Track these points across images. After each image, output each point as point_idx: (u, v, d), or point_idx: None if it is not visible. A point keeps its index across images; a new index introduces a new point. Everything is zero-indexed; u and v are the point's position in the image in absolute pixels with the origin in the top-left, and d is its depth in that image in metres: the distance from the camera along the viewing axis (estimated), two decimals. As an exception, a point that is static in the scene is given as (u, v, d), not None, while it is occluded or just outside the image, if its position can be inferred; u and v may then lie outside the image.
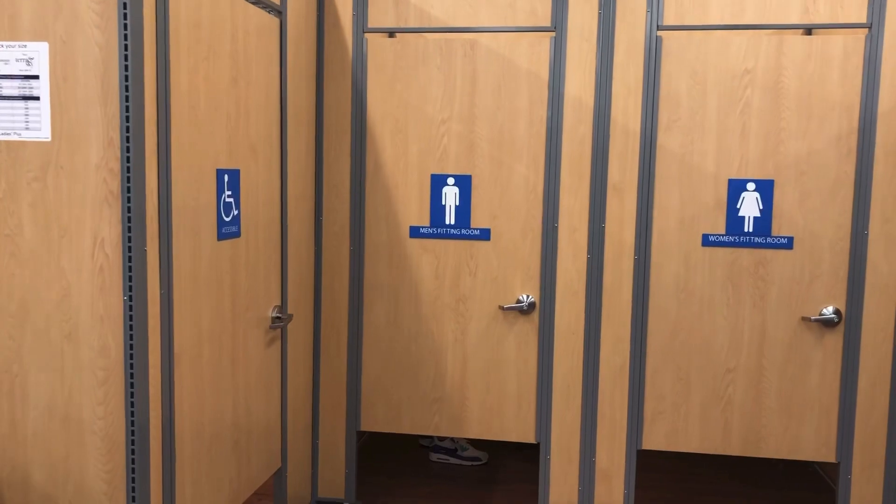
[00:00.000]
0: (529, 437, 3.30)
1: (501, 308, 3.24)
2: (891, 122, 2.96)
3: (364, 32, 3.25)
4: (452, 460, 4.02)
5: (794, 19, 3.02)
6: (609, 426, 3.23)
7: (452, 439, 4.05)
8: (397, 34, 3.29)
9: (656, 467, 3.99)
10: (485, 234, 3.24)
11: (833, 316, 3.03)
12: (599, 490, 3.26)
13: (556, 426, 3.26)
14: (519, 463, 4.04)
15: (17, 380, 2.14)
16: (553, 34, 3.14)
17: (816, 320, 3.05)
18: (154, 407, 2.16)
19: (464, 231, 3.25)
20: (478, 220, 3.25)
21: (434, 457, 4.06)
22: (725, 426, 3.15)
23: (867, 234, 3.00)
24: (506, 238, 3.23)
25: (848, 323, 3.04)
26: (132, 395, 2.09)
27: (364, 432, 4.22)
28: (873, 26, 2.94)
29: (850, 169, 3.00)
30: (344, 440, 3.43)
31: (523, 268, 3.23)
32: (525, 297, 3.23)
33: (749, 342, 3.11)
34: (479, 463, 4.02)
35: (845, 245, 3.03)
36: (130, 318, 2.07)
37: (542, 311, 3.22)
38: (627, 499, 3.25)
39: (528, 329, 3.25)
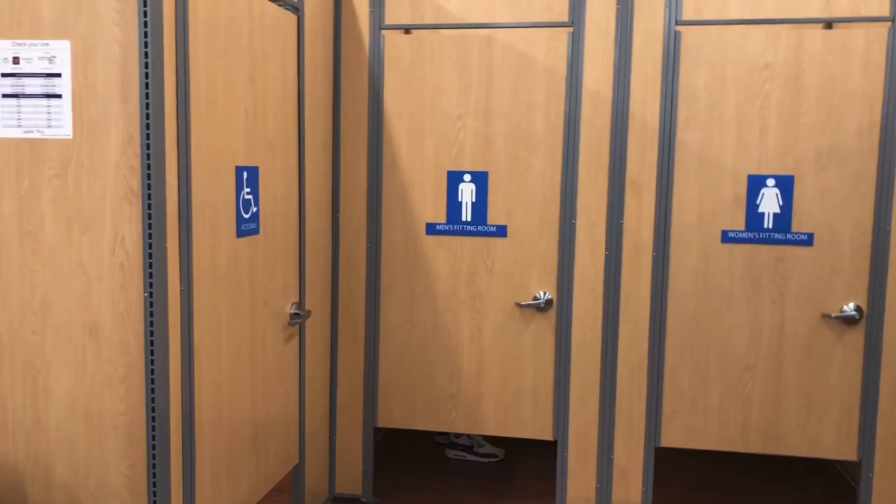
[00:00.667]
0: (547, 434, 3.29)
1: (518, 305, 3.23)
2: (913, 117, 2.92)
3: (381, 29, 3.25)
4: (469, 457, 4.02)
5: (815, 13, 2.99)
6: (627, 423, 3.22)
7: (469, 436, 4.05)
8: (413, 30, 3.29)
9: (675, 464, 3.97)
10: (501, 231, 3.23)
11: (854, 313, 3.01)
12: (617, 488, 3.25)
13: (573, 423, 3.25)
14: (536, 460, 4.03)
15: (39, 375, 2.16)
16: (570, 29, 3.12)
17: (837, 317, 3.02)
18: (174, 402, 2.18)
19: (480, 227, 3.25)
20: (494, 217, 3.24)
21: (450, 453, 4.06)
22: (744, 423, 3.13)
23: (889, 229, 2.96)
24: (522, 234, 3.22)
25: (869, 320, 3.01)
26: (153, 390, 2.10)
27: (381, 428, 4.23)
28: None
29: (871, 164, 2.97)
30: (361, 436, 3.44)
31: (540, 264, 3.22)
32: (542, 293, 3.22)
33: (769, 339, 3.09)
34: (496, 459, 4.02)
35: (867, 241, 3.00)
36: (151, 314, 2.08)
37: (560, 307, 3.21)
38: (645, 496, 3.23)
39: (545, 326, 3.24)
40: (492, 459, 4.01)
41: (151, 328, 2.08)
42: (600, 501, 3.26)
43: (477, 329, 3.29)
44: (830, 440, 3.09)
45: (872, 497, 3.07)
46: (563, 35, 3.12)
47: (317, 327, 3.22)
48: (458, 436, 4.06)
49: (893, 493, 3.06)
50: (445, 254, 3.28)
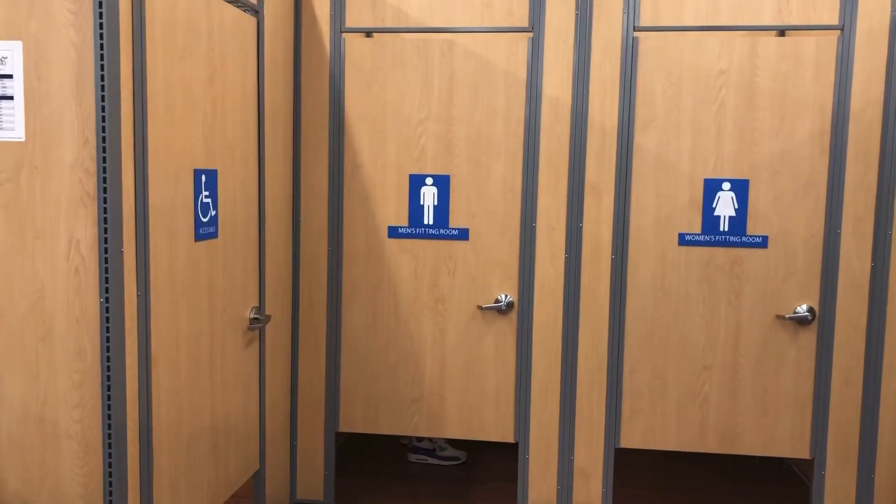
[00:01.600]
0: (508, 437, 3.31)
1: (480, 308, 3.25)
2: (862, 122, 3.01)
3: (342, 32, 3.24)
4: (431, 460, 4.02)
5: (768, 20, 3.06)
6: (587, 425, 3.25)
7: (431, 439, 4.05)
8: (375, 34, 3.28)
9: (634, 464, 4.02)
10: (463, 234, 3.24)
11: (807, 314, 3.08)
12: (578, 488, 3.28)
13: (534, 425, 3.28)
14: (497, 462, 4.05)
15: (-10, 383, 2.11)
16: (530, 34, 3.15)
17: (791, 318, 3.09)
18: (131, 409, 2.14)
19: (442, 231, 3.26)
20: (456, 220, 3.25)
21: (413, 457, 4.06)
22: (702, 423, 3.18)
23: (840, 232, 3.04)
24: (484, 238, 3.24)
25: (821, 320, 3.09)
26: (109, 397, 2.06)
27: (342, 433, 4.21)
28: (845, 28, 2.99)
29: (822, 168, 3.05)
30: (322, 441, 3.42)
31: (501, 267, 3.24)
32: (503, 296, 3.24)
33: (724, 340, 3.15)
34: (458, 462, 4.02)
35: (818, 243, 3.07)
36: (107, 319, 2.05)
37: (521, 310, 3.23)
38: (605, 497, 3.27)
39: (506, 329, 3.26)
40: (454, 462, 4.02)
41: (108, 334, 2.05)
42: (561, 503, 3.29)
43: (439, 332, 3.30)
44: (784, 439, 3.15)
45: (825, 493, 3.14)
46: (524, 40, 3.15)
47: (277, 332, 3.20)
48: (420, 440, 4.06)
49: (844, 489, 3.14)
50: (408, 257, 3.29)
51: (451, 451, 4.03)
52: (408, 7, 3.21)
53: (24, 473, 2.12)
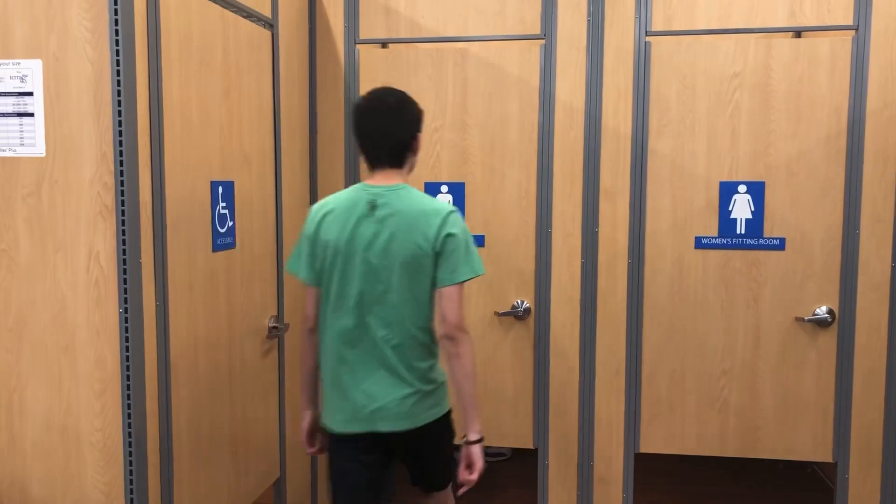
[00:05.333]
0: (527, 443, 3.31)
1: (497, 314, 3.26)
2: (879, 122, 2.98)
3: (356, 43, 3.28)
4: None
5: (782, 22, 3.04)
6: (606, 430, 3.24)
7: None
8: (389, 45, 3.32)
9: (655, 470, 4.00)
10: (479, 241, 3.26)
11: (826, 316, 3.05)
12: (598, 495, 3.27)
13: (553, 431, 3.27)
14: (518, 469, 4.04)
15: (14, 393, 2.16)
16: (543, 41, 3.17)
17: (810, 320, 3.06)
18: (151, 418, 2.18)
19: (458, 238, 3.27)
20: (472, 227, 3.26)
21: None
22: (722, 427, 3.16)
23: (858, 233, 3.02)
24: (500, 244, 3.25)
25: (841, 322, 3.06)
26: (129, 406, 2.10)
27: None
28: (860, 28, 2.97)
29: (839, 169, 3.03)
30: (343, 449, 3.43)
31: (518, 273, 3.25)
32: (520, 302, 3.25)
33: (743, 343, 3.12)
34: (504, 458, 4.11)
35: (837, 245, 3.05)
36: (126, 330, 2.09)
37: (538, 316, 3.24)
38: (626, 503, 3.25)
39: (523, 335, 3.26)
40: (499, 459, 4.09)
41: (127, 343, 2.09)
42: (582, 508, 3.28)
43: (457, 339, 3.30)
44: (806, 442, 3.12)
45: (849, 497, 3.11)
46: (536, 47, 3.16)
47: (296, 340, 3.22)
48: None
49: (868, 492, 3.10)
50: (424, 265, 3.30)
51: (496, 448, 4.11)
52: (421, 17, 3.24)
53: (47, 481, 2.16)
